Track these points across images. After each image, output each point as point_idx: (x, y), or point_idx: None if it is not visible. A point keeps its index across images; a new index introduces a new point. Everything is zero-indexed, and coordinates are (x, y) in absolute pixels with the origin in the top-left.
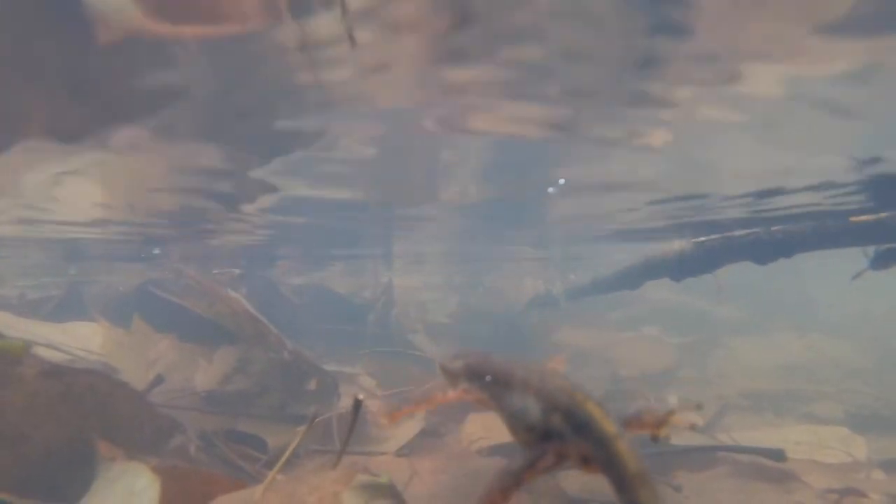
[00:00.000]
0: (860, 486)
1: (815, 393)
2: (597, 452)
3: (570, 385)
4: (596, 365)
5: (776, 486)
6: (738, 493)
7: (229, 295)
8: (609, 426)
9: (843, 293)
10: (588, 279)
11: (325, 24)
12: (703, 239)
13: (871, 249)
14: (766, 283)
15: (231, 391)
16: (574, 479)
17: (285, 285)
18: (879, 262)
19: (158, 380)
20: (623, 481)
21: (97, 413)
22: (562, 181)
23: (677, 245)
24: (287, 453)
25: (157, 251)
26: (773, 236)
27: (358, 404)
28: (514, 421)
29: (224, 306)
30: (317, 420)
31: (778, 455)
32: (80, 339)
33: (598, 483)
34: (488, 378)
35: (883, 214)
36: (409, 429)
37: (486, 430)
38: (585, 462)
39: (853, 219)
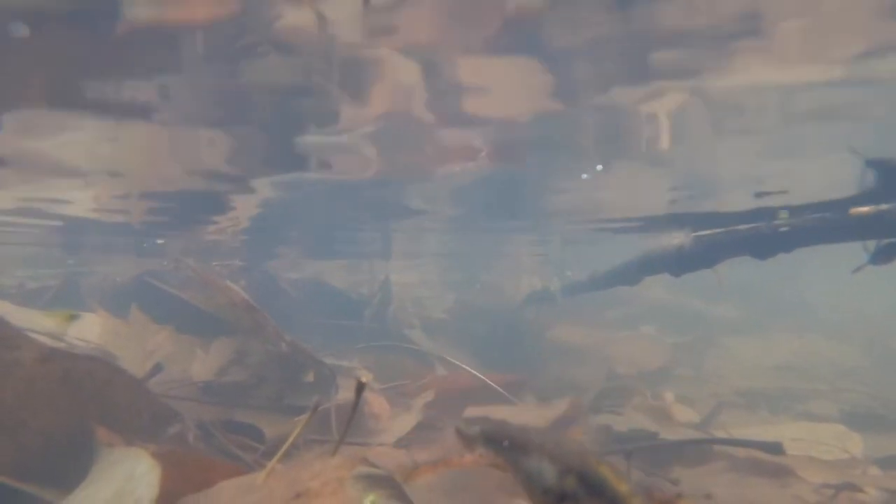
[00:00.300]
0: (856, 482)
1: (810, 392)
2: None
3: (583, 450)
4: (593, 362)
5: (772, 481)
6: (735, 487)
7: (228, 286)
8: (621, 486)
9: (838, 294)
10: (585, 275)
11: None
12: (702, 233)
13: (871, 244)
14: (762, 284)
15: (228, 382)
16: None
17: (284, 279)
18: (880, 256)
19: (157, 368)
20: None
21: (96, 399)
22: (599, 167)
23: (676, 239)
24: (290, 440)
25: (160, 241)
26: (774, 230)
27: (361, 386)
28: (531, 484)
29: (223, 297)
30: (318, 409)
31: (775, 448)
32: (78, 329)
33: None
34: (506, 443)
35: (883, 206)
36: (406, 421)
37: None
38: None
39: (853, 210)
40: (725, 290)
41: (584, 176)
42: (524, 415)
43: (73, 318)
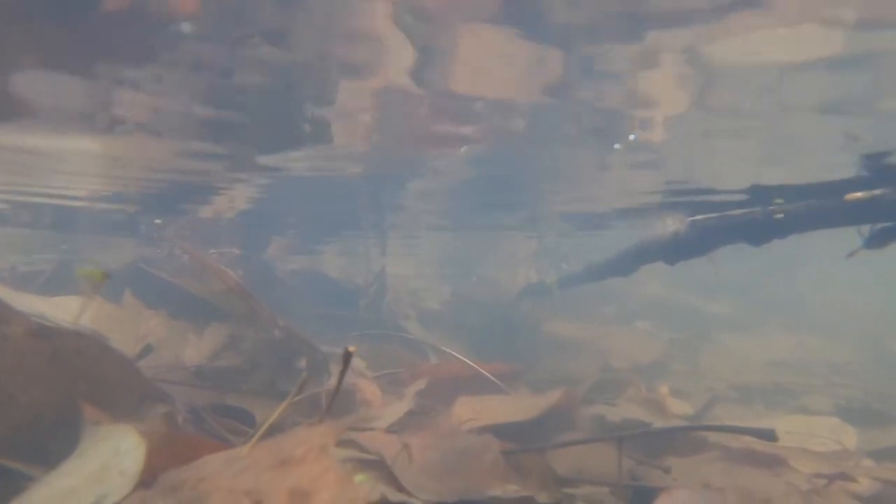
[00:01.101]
0: (849, 472)
1: (805, 386)
2: None
3: None
4: (588, 355)
5: (765, 471)
6: (728, 476)
7: (223, 270)
8: None
9: (834, 291)
10: (580, 267)
11: None
12: (698, 218)
13: (866, 229)
14: (758, 281)
15: (221, 367)
16: (563, 459)
17: (280, 269)
18: (874, 240)
19: (147, 349)
20: None
21: (85, 376)
22: (632, 136)
23: (671, 227)
24: (276, 413)
25: (158, 221)
26: (769, 216)
27: (348, 355)
28: None
29: (217, 282)
30: (307, 392)
31: (769, 435)
32: (70, 313)
33: (586, 462)
34: None
35: (877, 191)
36: (398, 408)
37: (476, 412)
38: None
39: (848, 196)
40: (721, 278)
41: (617, 146)
42: (517, 403)
43: (107, 276)
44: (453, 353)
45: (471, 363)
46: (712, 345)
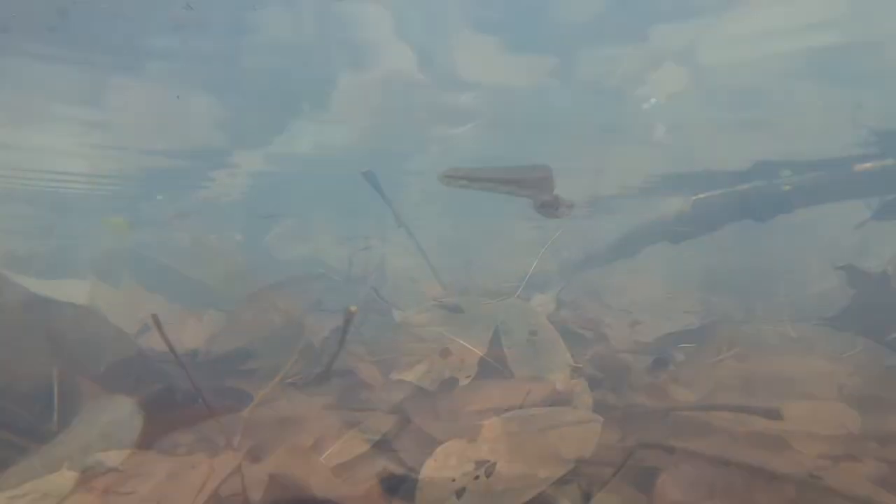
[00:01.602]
0: (854, 454)
1: (807, 375)
2: None
3: None
4: (587, 344)
5: (771, 453)
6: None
7: (221, 255)
8: None
9: (835, 281)
10: (581, 255)
11: None
12: (701, 196)
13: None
14: (758, 275)
15: (219, 350)
16: (568, 444)
17: (278, 260)
18: (884, 211)
19: (145, 328)
20: None
21: (81, 349)
22: (653, 100)
23: (675, 205)
24: (276, 379)
25: (159, 197)
26: (774, 189)
27: (350, 316)
28: None
29: (218, 268)
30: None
31: (774, 413)
32: (70, 297)
33: (590, 449)
34: None
35: (889, 161)
36: (399, 391)
37: (478, 395)
38: None
39: (857, 167)
40: (722, 270)
41: (645, 105)
42: (519, 388)
43: (129, 226)
44: (453, 337)
45: (471, 347)
46: (713, 337)
